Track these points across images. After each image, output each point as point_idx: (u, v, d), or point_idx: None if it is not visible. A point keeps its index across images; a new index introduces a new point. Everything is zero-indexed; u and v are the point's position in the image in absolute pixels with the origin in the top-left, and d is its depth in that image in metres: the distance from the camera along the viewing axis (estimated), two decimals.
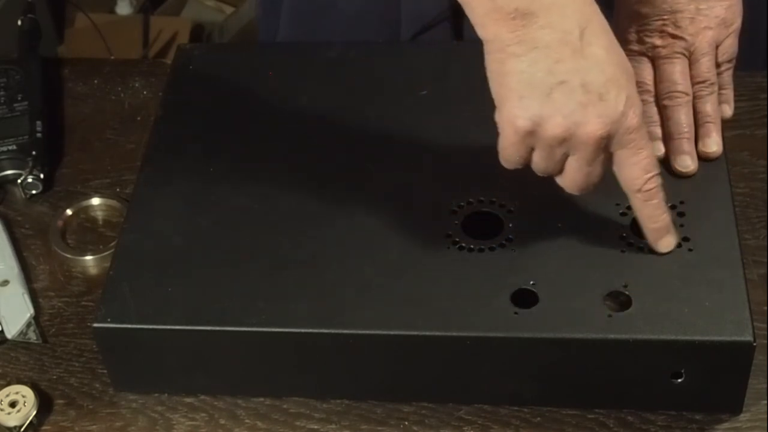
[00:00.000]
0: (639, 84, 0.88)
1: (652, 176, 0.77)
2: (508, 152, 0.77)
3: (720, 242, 0.80)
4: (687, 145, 0.86)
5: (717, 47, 0.88)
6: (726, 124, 0.90)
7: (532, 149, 0.77)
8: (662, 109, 0.87)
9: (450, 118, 0.91)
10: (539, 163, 0.78)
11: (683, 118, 0.86)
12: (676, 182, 0.85)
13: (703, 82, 0.87)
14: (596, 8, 0.75)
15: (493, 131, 0.89)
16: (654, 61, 0.88)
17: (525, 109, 0.74)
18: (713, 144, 0.86)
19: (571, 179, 0.78)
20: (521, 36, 0.73)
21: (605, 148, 0.76)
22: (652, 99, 0.88)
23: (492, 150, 0.88)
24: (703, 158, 0.86)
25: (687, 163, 0.85)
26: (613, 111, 0.74)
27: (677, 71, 0.87)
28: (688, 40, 0.88)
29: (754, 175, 0.94)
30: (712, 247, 0.80)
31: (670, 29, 0.87)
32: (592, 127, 0.74)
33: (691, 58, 0.88)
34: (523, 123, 0.74)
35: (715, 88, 0.88)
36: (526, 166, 0.79)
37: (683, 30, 0.87)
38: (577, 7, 0.73)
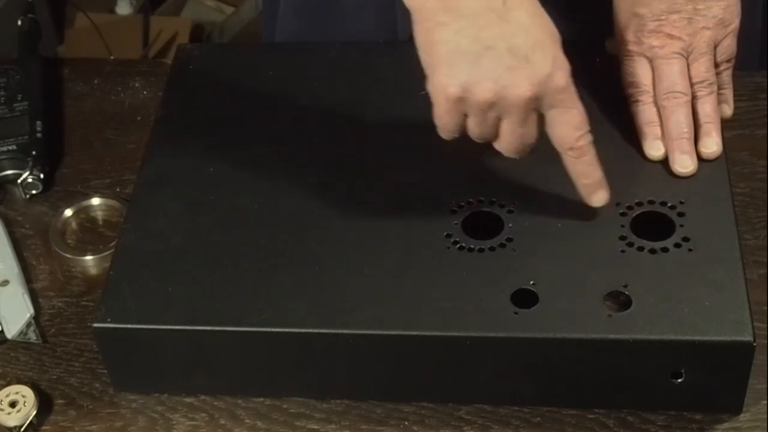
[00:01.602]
0: (637, 84, 0.88)
1: (583, 134, 0.79)
2: (443, 120, 0.80)
3: (720, 242, 0.80)
4: (687, 146, 0.86)
5: (715, 47, 0.88)
6: (726, 124, 0.90)
7: (466, 116, 0.79)
8: (661, 110, 0.87)
9: None
10: (473, 128, 0.80)
11: (682, 118, 0.86)
12: (676, 182, 0.85)
13: (701, 82, 0.88)
14: None
15: None
16: (652, 62, 0.88)
17: (454, 76, 0.76)
18: (713, 144, 0.86)
19: (507, 142, 0.80)
20: (447, 4, 0.75)
21: (536, 110, 0.78)
22: (651, 100, 0.88)
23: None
24: (703, 158, 0.86)
25: (687, 163, 0.85)
26: (540, 72, 0.76)
27: (676, 71, 0.87)
28: (686, 41, 0.88)
29: (754, 175, 0.94)
30: (712, 247, 0.80)
31: (667, 30, 0.88)
32: (521, 89, 0.76)
33: (689, 59, 0.88)
34: (454, 90, 0.76)
35: (715, 88, 0.88)
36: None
37: (681, 30, 0.88)
38: None
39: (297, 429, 0.82)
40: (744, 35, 0.91)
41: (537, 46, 0.76)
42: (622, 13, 0.90)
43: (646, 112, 0.88)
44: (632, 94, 0.89)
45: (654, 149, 0.86)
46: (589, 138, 0.80)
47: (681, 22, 0.87)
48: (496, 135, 0.80)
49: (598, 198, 0.82)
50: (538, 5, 0.78)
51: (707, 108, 0.87)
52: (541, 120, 0.79)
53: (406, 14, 0.79)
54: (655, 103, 0.88)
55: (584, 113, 0.79)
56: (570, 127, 0.79)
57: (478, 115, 0.78)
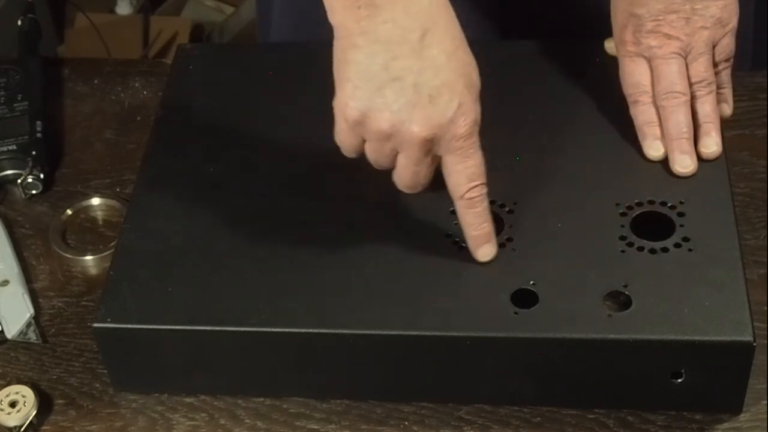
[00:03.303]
0: (636, 85, 0.88)
1: (477, 185, 0.79)
2: (340, 138, 0.80)
3: (720, 242, 0.80)
4: (686, 145, 0.86)
5: (714, 47, 0.88)
6: (726, 124, 0.90)
7: (365, 140, 0.79)
8: (661, 110, 0.87)
9: None
10: (370, 154, 0.80)
11: (682, 118, 0.86)
12: (676, 182, 0.85)
13: (700, 81, 0.87)
14: (447, 11, 0.76)
15: (493, 131, 0.89)
16: (651, 62, 0.88)
17: (356, 99, 0.76)
18: (713, 144, 0.86)
19: (400, 176, 0.80)
20: (364, 27, 0.75)
21: (432, 152, 0.78)
22: (650, 100, 0.88)
23: (491, 150, 0.88)
24: (702, 158, 0.86)
25: (687, 163, 0.85)
26: (440, 115, 0.75)
27: (674, 71, 0.87)
28: (684, 41, 0.87)
29: (754, 175, 0.94)
30: (712, 247, 0.80)
31: (665, 30, 0.88)
32: (417, 127, 0.75)
33: (687, 59, 0.88)
34: (352, 112, 0.77)
35: (714, 87, 0.88)
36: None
37: (679, 30, 0.87)
38: (423, 7, 0.75)
39: (297, 429, 0.82)
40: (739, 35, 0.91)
41: (445, 88, 0.75)
42: (619, 14, 0.90)
43: (646, 113, 0.87)
44: (631, 95, 0.89)
45: (653, 149, 0.86)
46: (483, 190, 0.79)
47: (679, 22, 0.87)
48: (393, 166, 0.80)
49: (484, 252, 0.80)
50: (462, 47, 0.77)
51: (706, 108, 0.87)
52: (438, 161, 0.78)
53: None
54: (654, 103, 0.88)
55: (482, 164, 0.78)
56: (464, 176, 0.78)
57: (374, 143, 0.78)
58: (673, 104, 0.87)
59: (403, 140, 0.77)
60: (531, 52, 0.96)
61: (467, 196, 0.79)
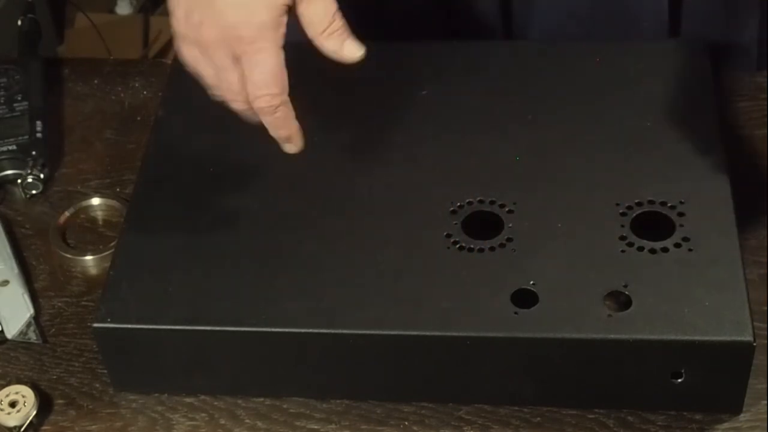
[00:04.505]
0: None
1: (263, 95, 0.79)
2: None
3: (720, 242, 0.80)
4: None
5: None
6: (726, 124, 0.90)
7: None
8: None
9: (450, 118, 0.91)
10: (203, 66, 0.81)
11: None
12: (676, 182, 0.85)
13: None
14: None
15: (492, 131, 0.89)
16: None
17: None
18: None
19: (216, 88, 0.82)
20: None
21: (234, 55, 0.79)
22: None
23: (492, 150, 0.88)
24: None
25: None
26: (225, 18, 0.77)
27: None
28: None
29: (755, 175, 0.94)
30: (712, 247, 0.80)
31: None
32: (207, 30, 0.78)
33: None
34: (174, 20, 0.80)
35: None
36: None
37: None
38: None
39: (297, 429, 0.82)
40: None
41: None
42: None
43: None
44: None
45: None
46: (271, 101, 0.79)
47: None
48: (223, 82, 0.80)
49: (288, 149, 0.83)
50: None
51: None
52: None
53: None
54: None
55: (273, 73, 0.79)
56: (250, 83, 0.79)
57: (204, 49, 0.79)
58: None
59: (199, 43, 0.79)
60: (531, 53, 0.96)
61: (255, 105, 0.80)
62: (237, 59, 0.79)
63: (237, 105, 0.82)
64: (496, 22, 1.05)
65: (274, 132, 0.82)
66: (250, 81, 0.79)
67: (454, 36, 1.08)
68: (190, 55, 0.81)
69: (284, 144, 0.83)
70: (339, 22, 0.80)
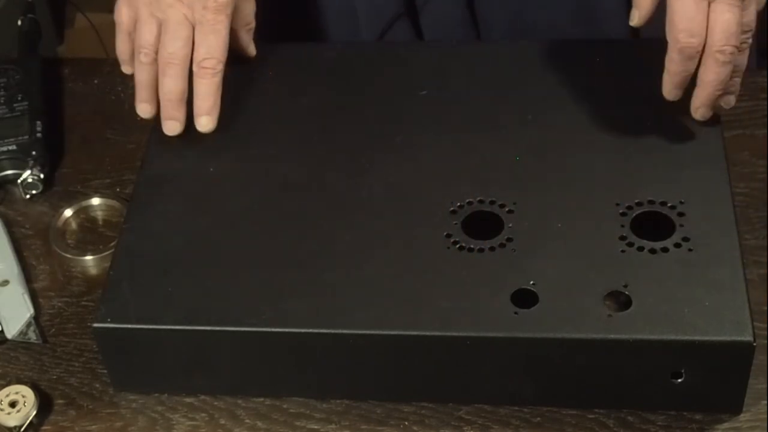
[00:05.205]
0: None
1: (208, 59, 0.90)
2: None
3: (720, 242, 0.80)
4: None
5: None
6: (726, 124, 0.90)
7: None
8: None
9: (450, 118, 0.91)
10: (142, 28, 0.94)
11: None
12: (676, 182, 0.85)
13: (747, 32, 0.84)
14: None
15: (492, 131, 0.90)
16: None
17: None
18: (732, 100, 0.86)
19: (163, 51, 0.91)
20: None
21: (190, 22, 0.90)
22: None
23: (492, 150, 0.88)
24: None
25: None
26: None
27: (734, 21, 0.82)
28: None
29: (754, 175, 0.94)
30: (712, 247, 0.80)
31: None
32: None
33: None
34: None
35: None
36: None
37: None
38: None
39: (297, 429, 0.82)
40: None
41: None
42: None
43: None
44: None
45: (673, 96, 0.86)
46: (213, 65, 0.90)
47: None
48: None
49: (201, 122, 0.91)
50: None
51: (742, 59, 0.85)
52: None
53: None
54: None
55: (222, 45, 0.90)
56: (203, 48, 0.89)
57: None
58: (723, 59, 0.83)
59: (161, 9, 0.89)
60: (531, 52, 0.96)
61: (202, 65, 0.89)
62: (190, 23, 0.89)
63: (142, 57, 0.91)
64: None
65: (202, 101, 0.90)
66: (204, 45, 0.89)
67: (418, 34, 1.08)
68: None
69: (202, 117, 0.90)
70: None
